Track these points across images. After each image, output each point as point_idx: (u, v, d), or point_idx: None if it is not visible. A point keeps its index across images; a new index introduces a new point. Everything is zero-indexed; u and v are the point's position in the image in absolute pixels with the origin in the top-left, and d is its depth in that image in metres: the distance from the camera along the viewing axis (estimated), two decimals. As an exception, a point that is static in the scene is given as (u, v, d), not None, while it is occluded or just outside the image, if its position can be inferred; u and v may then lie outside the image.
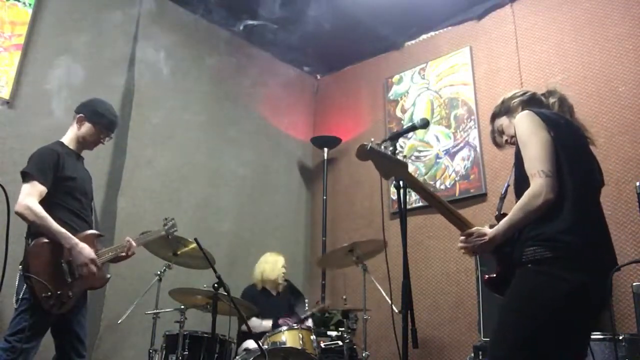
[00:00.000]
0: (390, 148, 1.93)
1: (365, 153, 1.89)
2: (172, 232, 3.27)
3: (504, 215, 1.90)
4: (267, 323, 3.83)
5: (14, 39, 3.66)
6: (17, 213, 2.52)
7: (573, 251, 1.73)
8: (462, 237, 1.94)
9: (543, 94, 2.12)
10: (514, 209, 1.81)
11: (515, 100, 2.13)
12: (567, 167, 1.81)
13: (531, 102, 2.09)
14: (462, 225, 1.96)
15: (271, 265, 4.13)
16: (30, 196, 2.56)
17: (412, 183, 1.99)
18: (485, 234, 1.88)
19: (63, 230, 2.58)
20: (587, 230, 1.78)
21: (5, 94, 3.57)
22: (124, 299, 3.51)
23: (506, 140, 2.18)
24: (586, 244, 1.75)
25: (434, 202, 1.97)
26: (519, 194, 1.86)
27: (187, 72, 4.67)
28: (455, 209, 2.00)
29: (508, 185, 2.14)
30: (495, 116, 2.22)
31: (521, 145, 1.88)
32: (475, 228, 1.93)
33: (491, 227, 1.92)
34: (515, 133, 1.93)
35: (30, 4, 3.77)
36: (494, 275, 2.01)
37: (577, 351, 1.83)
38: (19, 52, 3.66)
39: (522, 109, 2.02)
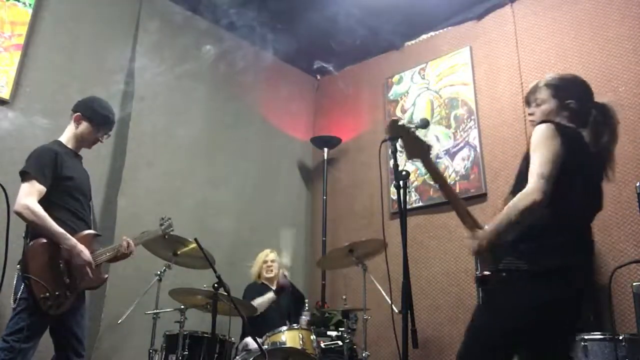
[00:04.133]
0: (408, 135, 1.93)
1: (396, 128, 1.89)
2: (169, 232, 3.27)
3: None
4: (269, 295, 3.92)
5: (14, 39, 3.66)
6: (16, 212, 2.51)
7: (550, 268, 1.74)
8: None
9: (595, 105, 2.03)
10: (508, 206, 1.81)
11: (571, 102, 2.03)
12: (568, 184, 1.79)
13: (578, 114, 2.01)
14: (471, 222, 1.98)
15: (256, 263, 4.24)
16: (29, 196, 2.55)
17: (431, 169, 1.98)
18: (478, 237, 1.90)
19: (62, 230, 2.57)
20: (570, 249, 1.78)
21: (5, 94, 3.56)
22: (124, 299, 3.50)
23: (534, 102, 2.10)
24: (566, 263, 1.76)
25: (447, 191, 1.98)
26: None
27: (187, 72, 4.66)
28: (465, 205, 2.01)
29: None
30: (550, 87, 2.09)
31: (532, 150, 1.87)
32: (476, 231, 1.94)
33: None
34: (532, 136, 1.91)
35: (30, 4, 3.77)
36: (488, 273, 2.00)
37: None
38: (19, 52, 3.66)
39: (562, 117, 1.98)
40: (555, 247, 1.76)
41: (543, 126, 1.88)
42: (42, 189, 2.60)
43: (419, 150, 1.93)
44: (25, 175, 2.61)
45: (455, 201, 2.00)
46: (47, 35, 3.86)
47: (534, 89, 2.12)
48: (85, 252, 2.62)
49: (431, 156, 1.95)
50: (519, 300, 1.75)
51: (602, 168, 1.98)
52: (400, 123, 1.87)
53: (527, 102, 2.15)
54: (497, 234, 1.83)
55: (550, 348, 1.83)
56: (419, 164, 4.68)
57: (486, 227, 1.89)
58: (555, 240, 1.77)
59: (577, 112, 2.01)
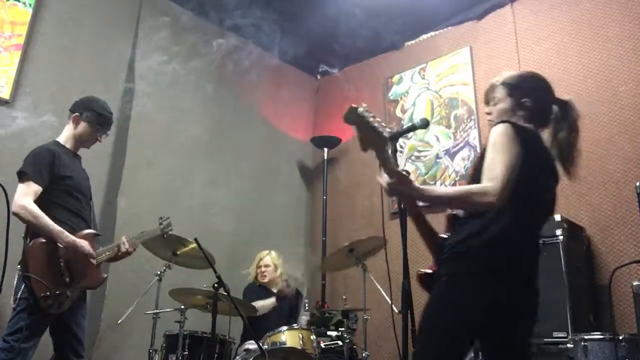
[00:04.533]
0: (378, 119, 1.79)
1: (354, 115, 1.76)
2: (168, 231, 3.26)
3: (455, 215, 1.89)
4: (270, 300, 3.90)
5: (14, 39, 3.66)
6: (13, 213, 2.51)
7: (495, 268, 1.72)
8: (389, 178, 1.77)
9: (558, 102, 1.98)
10: (459, 188, 1.80)
11: (527, 101, 1.96)
12: (524, 188, 1.73)
13: (536, 112, 1.95)
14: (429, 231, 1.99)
15: (253, 265, 4.22)
16: (25, 196, 2.56)
17: (386, 164, 1.82)
18: (410, 182, 1.76)
19: (59, 228, 2.58)
20: (511, 252, 1.75)
21: (5, 94, 3.57)
22: (124, 299, 3.50)
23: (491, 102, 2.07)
24: (510, 264, 1.73)
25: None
26: None
27: (187, 72, 4.66)
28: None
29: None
30: (505, 85, 2.05)
31: (491, 147, 1.78)
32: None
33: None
34: (490, 136, 1.84)
35: (30, 4, 3.77)
36: (430, 272, 1.96)
37: None
38: (19, 52, 3.66)
39: (518, 117, 1.93)
40: (504, 250, 1.73)
41: (501, 127, 1.80)
42: (38, 189, 2.61)
43: (374, 141, 1.79)
44: (22, 176, 2.62)
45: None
46: (47, 35, 3.86)
47: (491, 88, 2.07)
48: (85, 245, 2.63)
49: (388, 151, 1.80)
50: (463, 302, 1.72)
51: (564, 168, 1.91)
52: (359, 110, 1.75)
53: (486, 101, 2.10)
54: (426, 197, 1.76)
55: (504, 349, 1.79)
56: (419, 163, 4.71)
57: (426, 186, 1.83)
58: (505, 243, 1.73)
59: (535, 111, 1.95)
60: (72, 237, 2.61)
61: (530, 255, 1.83)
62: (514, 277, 1.75)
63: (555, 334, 3.03)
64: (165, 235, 3.24)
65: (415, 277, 1.98)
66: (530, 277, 1.82)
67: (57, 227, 2.57)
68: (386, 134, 1.78)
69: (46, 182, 2.64)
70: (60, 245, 2.58)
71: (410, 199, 1.85)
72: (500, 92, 2.02)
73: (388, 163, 1.78)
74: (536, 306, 1.84)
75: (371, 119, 1.78)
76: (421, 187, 1.79)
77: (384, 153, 1.80)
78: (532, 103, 1.95)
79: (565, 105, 1.97)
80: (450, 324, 1.74)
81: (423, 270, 1.98)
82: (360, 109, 1.76)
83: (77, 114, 2.87)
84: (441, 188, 1.80)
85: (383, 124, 1.79)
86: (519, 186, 1.69)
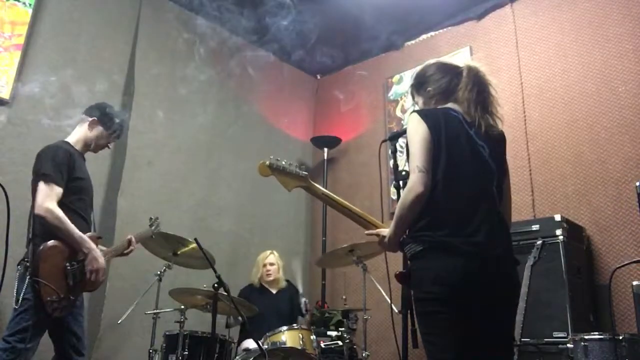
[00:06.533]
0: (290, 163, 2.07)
1: (266, 168, 2.07)
2: (156, 232, 3.26)
3: None
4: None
5: (14, 39, 3.66)
6: (38, 215, 2.53)
7: (438, 241, 1.75)
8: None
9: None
10: (398, 203, 1.85)
11: (429, 89, 2.07)
12: (445, 160, 1.82)
13: (444, 94, 2.05)
14: (372, 227, 2.08)
15: (257, 266, 4.19)
16: (49, 198, 2.56)
17: (314, 192, 2.16)
18: (384, 237, 1.95)
19: (82, 234, 2.62)
20: (453, 220, 1.77)
21: (5, 94, 3.57)
22: (124, 299, 3.51)
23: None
24: (452, 234, 1.75)
25: (339, 208, 2.14)
26: None
27: (187, 71, 4.66)
28: (362, 213, 2.13)
29: None
30: (412, 88, 2.18)
31: (408, 143, 1.90)
32: (378, 230, 2.02)
33: None
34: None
35: (30, 4, 3.77)
36: (404, 270, 1.97)
37: (486, 342, 1.74)
38: (19, 52, 3.66)
39: (435, 102, 2.04)
40: (436, 222, 1.77)
41: (409, 120, 1.92)
42: (59, 191, 2.62)
43: (295, 180, 2.09)
44: (44, 177, 2.61)
45: (353, 217, 2.11)
46: (47, 35, 3.86)
47: (411, 97, 2.23)
48: (101, 259, 2.67)
49: (311, 181, 2.09)
50: (427, 277, 1.73)
51: (486, 117, 1.96)
52: (268, 163, 2.05)
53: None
54: (395, 232, 1.88)
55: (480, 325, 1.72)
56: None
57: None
58: (435, 215, 1.78)
59: (440, 92, 2.05)
60: (92, 245, 2.65)
61: (471, 221, 1.79)
62: (457, 247, 1.73)
63: (555, 334, 3.04)
64: (153, 236, 3.24)
65: (395, 277, 1.98)
66: (488, 251, 1.76)
67: (79, 233, 2.61)
68: (301, 173, 2.14)
69: (64, 183, 2.65)
70: (82, 251, 2.61)
71: (396, 242, 1.93)
72: (415, 97, 2.17)
73: (316, 190, 2.14)
74: (511, 294, 1.84)
75: (283, 165, 2.11)
76: (386, 234, 1.94)
77: (311, 185, 2.16)
78: (434, 88, 2.07)
79: (463, 73, 2.04)
80: (425, 302, 1.75)
81: (400, 270, 1.99)
82: (268, 162, 2.09)
83: (95, 117, 2.88)
84: (394, 217, 1.88)
85: (295, 165, 2.14)
86: (439, 161, 1.81)
